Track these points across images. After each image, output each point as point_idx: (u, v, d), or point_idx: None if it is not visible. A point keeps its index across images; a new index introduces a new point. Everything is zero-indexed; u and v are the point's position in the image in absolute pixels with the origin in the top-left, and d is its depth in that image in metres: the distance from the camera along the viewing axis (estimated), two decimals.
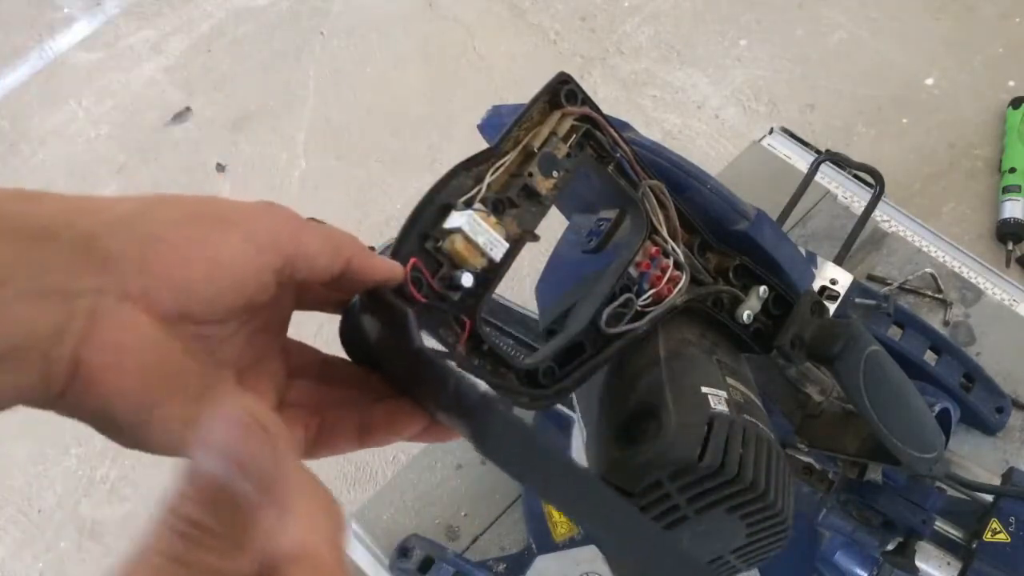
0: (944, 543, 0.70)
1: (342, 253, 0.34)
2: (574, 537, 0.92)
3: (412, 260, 0.38)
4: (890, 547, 0.69)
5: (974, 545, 0.69)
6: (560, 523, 0.93)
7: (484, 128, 0.61)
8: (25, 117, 2.08)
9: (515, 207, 0.43)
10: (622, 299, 0.48)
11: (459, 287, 0.39)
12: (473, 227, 0.39)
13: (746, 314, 0.53)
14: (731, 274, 0.53)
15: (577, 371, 0.46)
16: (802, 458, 0.68)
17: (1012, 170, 1.54)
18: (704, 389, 0.46)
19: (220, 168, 1.91)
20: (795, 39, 1.90)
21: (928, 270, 1.04)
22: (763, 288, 0.53)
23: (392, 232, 0.39)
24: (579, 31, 2.02)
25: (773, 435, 0.46)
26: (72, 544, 1.49)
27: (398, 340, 0.34)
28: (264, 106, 2.02)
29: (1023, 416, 0.94)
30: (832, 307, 0.87)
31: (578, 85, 0.45)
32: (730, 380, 0.48)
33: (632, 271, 0.48)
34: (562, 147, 0.44)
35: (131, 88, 2.10)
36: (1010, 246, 1.50)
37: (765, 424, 0.47)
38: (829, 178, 1.14)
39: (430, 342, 0.40)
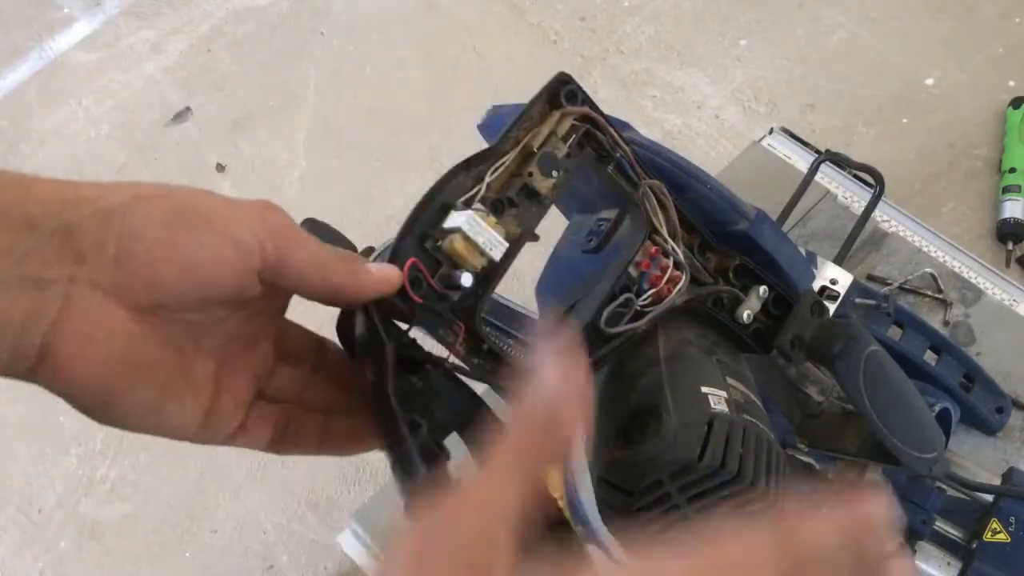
0: (944, 543, 0.70)
1: (331, 280, 0.34)
2: None
3: (411, 260, 0.38)
4: None
5: (974, 545, 0.69)
6: None
7: (484, 128, 0.61)
8: (25, 117, 2.08)
9: (515, 207, 0.43)
10: (622, 299, 0.48)
11: (458, 287, 0.39)
12: (473, 227, 0.39)
13: (746, 314, 0.53)
14: (731, 274, 0.53)
15: None
16: (802, 458, 0.68)
17: (1012, 170, 1.54)
18: (704, 389, 0.46)
19: (220, 168, 1.92)
20: (795, 39, 1.90)
21: (928, 270, 1.04)
22: (763, 288, 0.53)
23: (392, 232, 0.39)
24: (579, 31, 2.02)
25: (773, 435, 0.46)
26: (72, 544, 1.49)
27: (377, 373, 0.34)
28: (264, 106, 2.01)
29: (1023, 416, 0.94)
30: (832, 307, 0.87)
31: (578, 85, 0.45)
32: (730, 380, 0.48)
33: (632, 271, 0.48)
34: (562, 147, 0.44)
35: (131, 88, 2.10)
36: (1010, 246, 1.50)
37: (765, 424, 0.47)
38: (829, 178, 1.14)
39: (430, 342, 0.40)
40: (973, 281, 1.04)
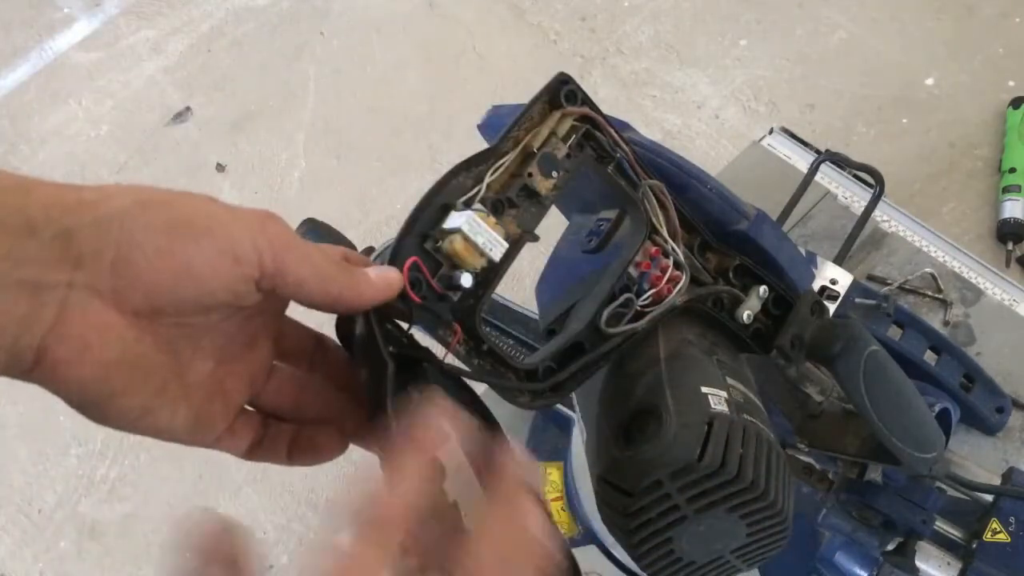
0: (944, 543, 0.70)
1: (329, 290, 0.34)
2: (574, 537, 0.91)
3: (411, 260, 0.38)
4: (890, 547, 0.69)
5: (974, 545, 0.69)
6: (560, 523, 0.93)
7: (484, 128, 0.61)
8: (25, 117, 2.08)
9: (515, 207, 0.43)
10: (622, 299, 0.47)
11: (458, 287, 0.39)
12: (472, 227, 0.39)
13: (746, 314, 0.53)
14: (731, 274, 0.53)
15: (577, 371, 0.46)
16: (802, 458, 0.68)
17: (1012, 170, 1.54)
18: (704, 389, 0.46)
19: (220, 168, 1.92)
20: (795, 39, 1.90)
21: (928, 270, 1.04)
22: (763, 288, 0.53)
23: (392, 232, 0.39)
24: (579, 31, 2.02)
25: (773, 435, 0.46)
26: (72, 544, 1.50)
27: (376, 384, 0.34)
28: (264, 106, 2.02)
29: (1023, 416, 0.94)
30: (832, 307, 0.87)
31: (578, 85, 0.45)
32: (730, 380, 0.48)
33: (632, 271, 0.48)
34: (562, 147, 0.44)
35: (131, 88, 2.10)
36: (1010, 246, 1.50)
37: (765, 424, 0.47)
38: (829, 178, 1.14)
39: (430, 342, 0.40)
40: (973, 281, 1.04)
